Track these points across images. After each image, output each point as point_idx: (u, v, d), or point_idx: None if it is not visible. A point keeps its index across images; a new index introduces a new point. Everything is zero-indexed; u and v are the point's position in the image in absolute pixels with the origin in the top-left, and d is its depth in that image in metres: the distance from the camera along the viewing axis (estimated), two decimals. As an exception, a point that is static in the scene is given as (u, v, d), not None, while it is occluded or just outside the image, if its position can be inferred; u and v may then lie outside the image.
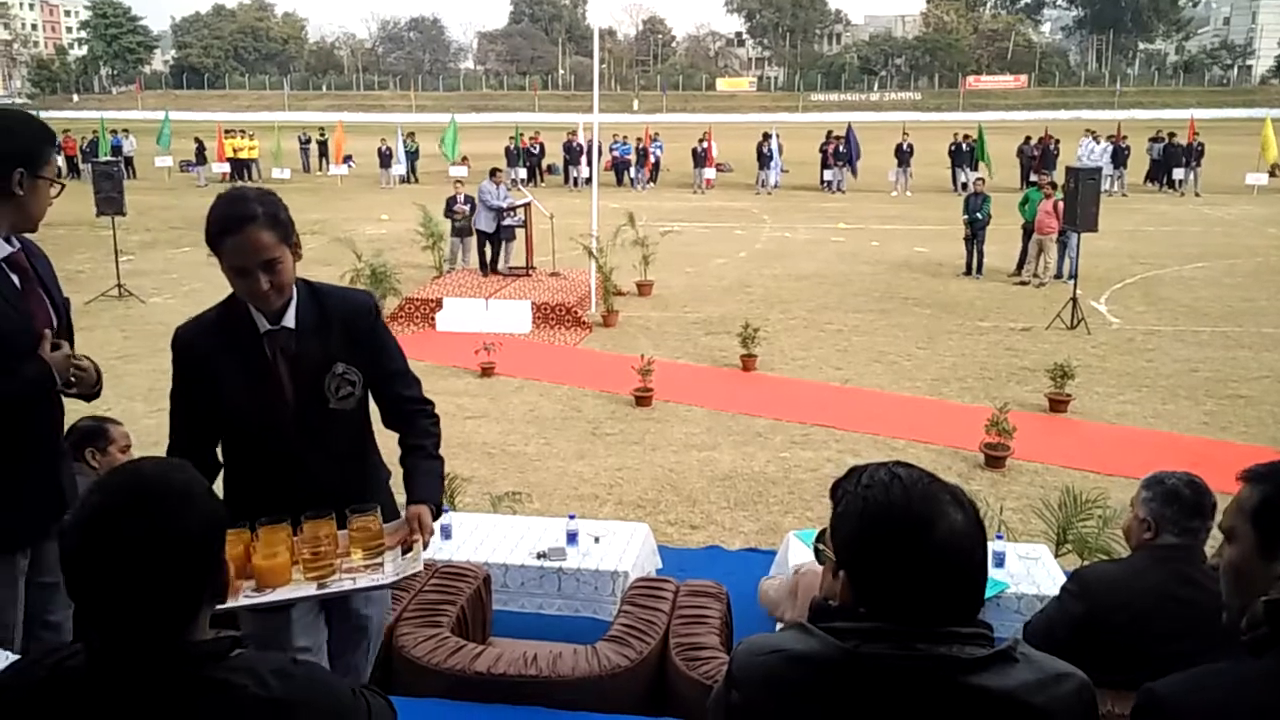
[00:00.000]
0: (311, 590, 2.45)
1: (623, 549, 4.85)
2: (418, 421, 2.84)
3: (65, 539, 1.47)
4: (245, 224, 2.48)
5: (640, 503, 7.14)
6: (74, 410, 3.05)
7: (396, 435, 2.87)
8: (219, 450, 2.76)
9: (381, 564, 2.55)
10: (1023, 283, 15.13)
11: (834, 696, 1.52)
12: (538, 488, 7.29)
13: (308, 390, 2.64)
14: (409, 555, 2.56)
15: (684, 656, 3.55)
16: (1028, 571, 4.60)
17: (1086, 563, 4.71)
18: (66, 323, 2.88)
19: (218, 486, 2.63)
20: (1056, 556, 5.04)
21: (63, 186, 2.84)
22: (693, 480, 7.55)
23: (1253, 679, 1.60)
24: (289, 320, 2.63)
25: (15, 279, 2.73)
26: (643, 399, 9.30)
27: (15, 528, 2.72)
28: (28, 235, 2.87)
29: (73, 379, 2.77)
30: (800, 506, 7.05)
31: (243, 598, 2.41)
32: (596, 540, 4.87)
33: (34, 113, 2.93)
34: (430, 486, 2.74)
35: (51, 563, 2.79)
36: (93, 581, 1.45)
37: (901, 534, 1.51)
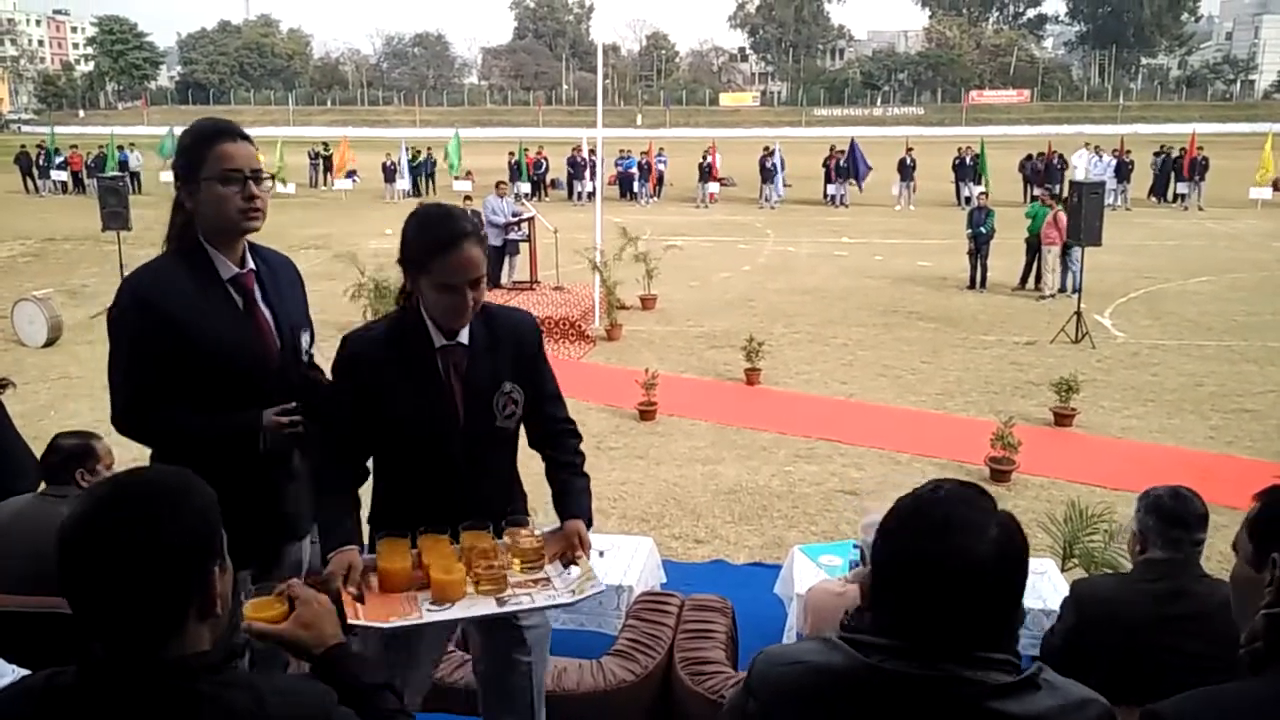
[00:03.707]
0: (491, 607, 2.43)
1: (627, 563, 4.84)
2: (567, 441, 2.87)
3: (58, 539, 1.47)
4: (461, 240, 2.50)
5: (644, 517, 7.13)
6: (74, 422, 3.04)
7: (541, 454, 2.91)
8: (368, 461, 2.75)
9: (548, 579, 2.55)
10: (1045, 295, 15.08)
11: (853, 711, 1.51)
12: (541, 502, 7.27)
13: (478, 408, 2.65)
14: (579, 574, 2.56)
15: (689, 671, 3.54)
16: (1034, 586, 4.57)
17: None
18: (293, 346, 2.83)
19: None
20: (1063, 571, 5.03)
21: (245, 176, 2.65)
22: (697, 494, 7.54)
23: (1257, 701, 1.58)
24: (463, 337, 2.63)
25: (239, 300, 2.72)
26: (647, 413, 9.29)
27: (236, 547, 2.70)
28: (272, 250, 2.88)
29: (285, 441, 2.74)
30: (805, 521, 7.04)
31: (425, 612, 2.38)
32: (601, 554, 4.85)
33: (212, 120, 2.79)
34: (583, 503, 2.78)
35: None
36: (80, 583, 1.44)
37: (921, 545, 1.49)
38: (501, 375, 2.67)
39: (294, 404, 2.75)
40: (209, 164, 2.62)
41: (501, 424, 2.69)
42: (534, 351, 2.78)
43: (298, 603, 1.83)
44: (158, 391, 2.62)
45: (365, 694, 1.73)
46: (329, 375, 2.76)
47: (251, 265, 2.77)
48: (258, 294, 2.77)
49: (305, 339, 2.88)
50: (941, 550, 1.48)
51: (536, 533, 2.65)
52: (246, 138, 2.71)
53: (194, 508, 1.52)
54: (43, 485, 3.53)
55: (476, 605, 2.42)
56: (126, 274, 2.69)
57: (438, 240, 2.50)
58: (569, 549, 2.63)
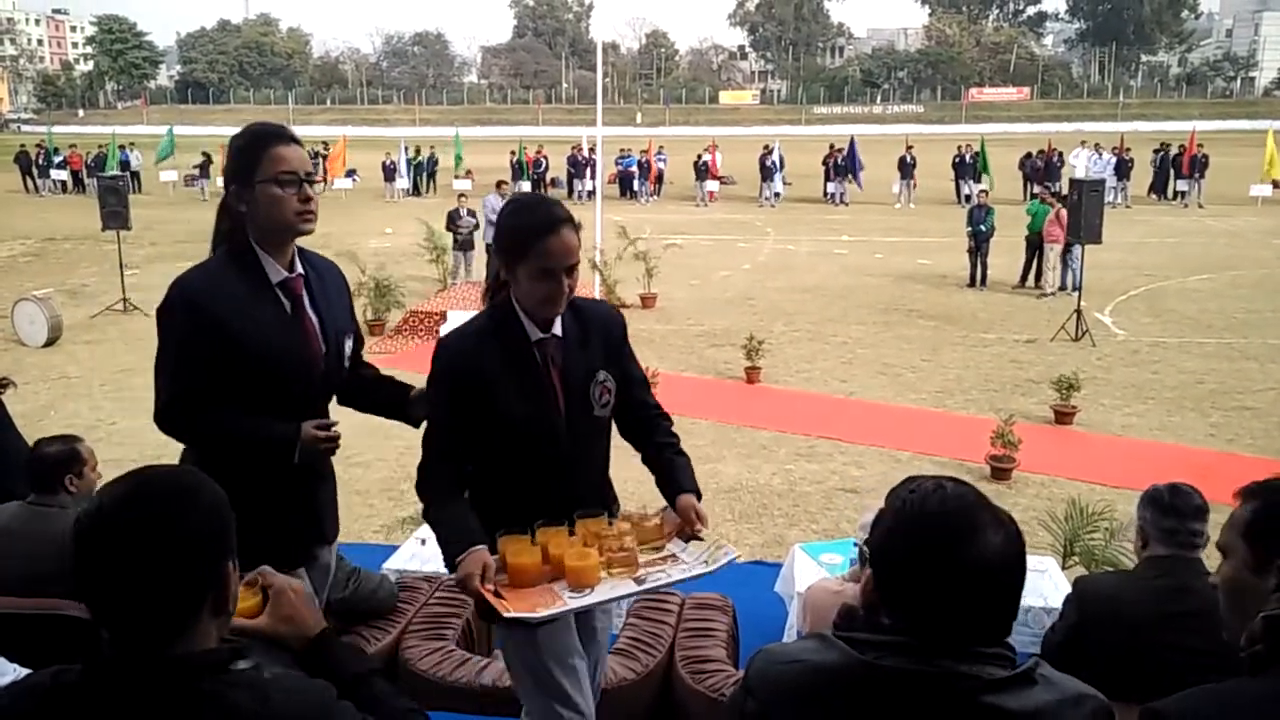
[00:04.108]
0: (631, 587, 2.47)
1: (628, 562, 4.83)
2: (660, 424, 2.88)
3: (74, 534, 1.48)
4: (561, 225, 2.52)
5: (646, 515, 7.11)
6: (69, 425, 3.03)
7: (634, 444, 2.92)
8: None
9: (674, 555, 2.59)
10: (1045, 293, 15.12)
11: (850, 708, 1.51)
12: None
13: (577, 398, 2.66)
14: (707, 546, 2.59)
15: (690, 669, 3.55)
16: (1034, 584, 4.57)
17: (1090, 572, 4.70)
18: (337, 351, 2.83)
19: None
20: (1063, 569, 5.03)
21: (300, 179, 2.68)
22: (697, 493, 7.52)
23: (1255, 700, 1.58)
24: (557, 328, 2.65)
25: (287, 305, 2.72)
26: (647, 411, 9.28)
27: (272, 550, 2.69)
28: (319, 256, 2.89)
29: (317, 455, 2.73)
30: (805, 519, 7.04)
31: (569, 599, 2.39)
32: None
33: (271, 122, 2.83)
34: (690, 478, 2.78)
35: (313, 586, 2.83)
36: (97, 578, 1.45)
37: (928, 544, 1.49)
38: (595, 364, 2.69)
39: (334, 421, 2.75)
40: (264, 166, 2.63)
41: (599, 413, 2.71)
42: (620, 340, 2.79)
43: (271, 592, 1.75)
44: (203, 393, 2.62)
45: (355, 682, 1.72)
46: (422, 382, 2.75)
47: (300, 270, 2.78)
48: (305, 299, 2.77)
49: (349, 344, 2.88)
50: (951, 553, 1.48)
51: (651, 515, 2.68)
52: (299, 141, 2.74)
53: (208, 504, 1.52)
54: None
55: (617, 587, 2.45)
56: (177, 275, 2.69)
57: (537, 226, 2.52)
58: (686, 524, 2.64)
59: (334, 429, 2.74)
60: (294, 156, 2.68)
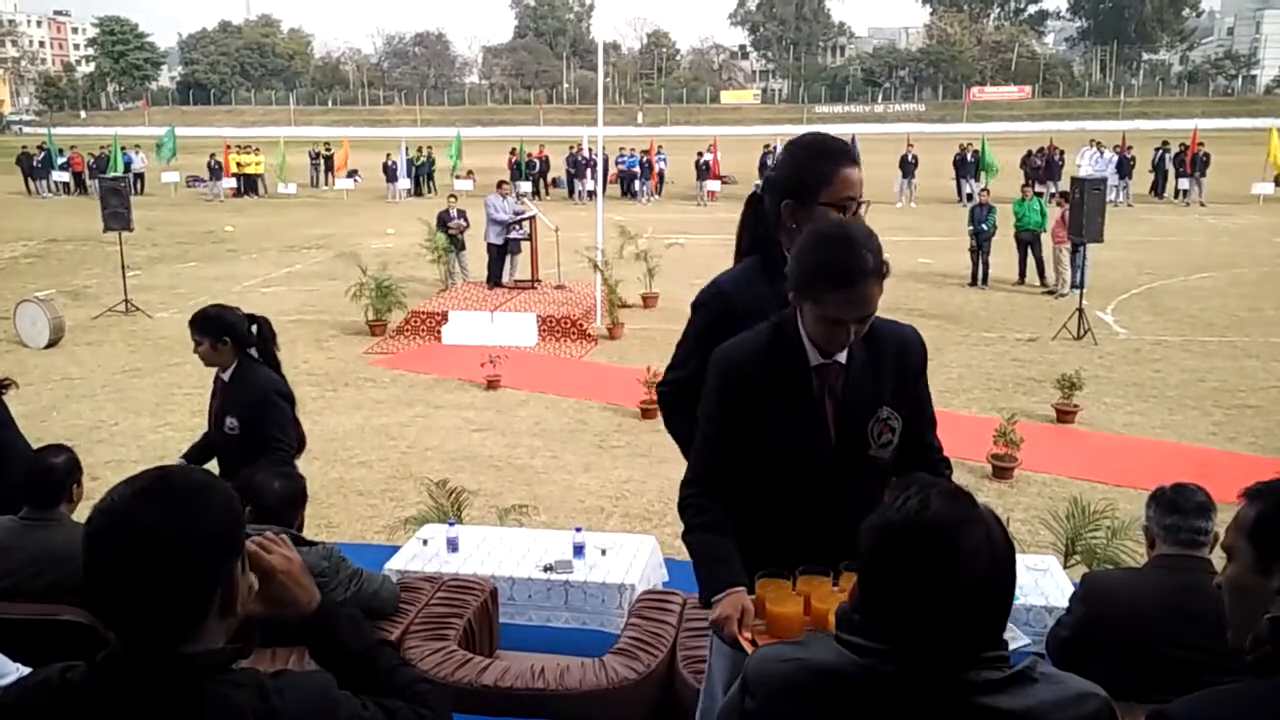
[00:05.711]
0: None
1: (629, 561, 4.84)
2: (942, 475, 2.57)
3: (86, 532, 1.47)
4: (862, 279, 2.25)
5: (647, 515, 7.12)
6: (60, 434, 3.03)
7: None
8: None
9: None
10: (1050, 291, 15.09)
11: (847, 709, 1.51)
12: (544, 500, 7.27)
13: (850, 433, 2.41)
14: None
15: (692, 669, 3.54)
16: (1036, 583, 4.57)
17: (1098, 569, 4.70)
18: None
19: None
20: (1065, 568, 5.02)
21: (856, 204, 2.61)
22: (699, 492, 7.51)
23: (1263, 701, 1.58)
24: (841, 355, 2.40)
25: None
26: (649, 411, 9.28)
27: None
28: None
29: None
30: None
31: None
32: (603, 553, 4.86)
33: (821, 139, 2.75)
34: None
35: None
36: (107, 573, 1.45)
37: (907, 566, 1.47)
38: (880, 399, 2.43)
39: None
40: (833, 187, 2.57)
41: (876, 452, 2.44)
42: (917, 371, 2.55)
43: (259, 575, 1.66)
44: (696, 385, 2.63)
45: (360, 657, 1.70)
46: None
47: None
48: None
49: None
50: (931, 576, 1.45)
51: None
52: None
53: (222, 503, 1.52)
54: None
55: None
56: (717, 275, 2.90)
57: (836, 274, 2.25)
58: None
59: None
60: (859, 180, 2.61)
